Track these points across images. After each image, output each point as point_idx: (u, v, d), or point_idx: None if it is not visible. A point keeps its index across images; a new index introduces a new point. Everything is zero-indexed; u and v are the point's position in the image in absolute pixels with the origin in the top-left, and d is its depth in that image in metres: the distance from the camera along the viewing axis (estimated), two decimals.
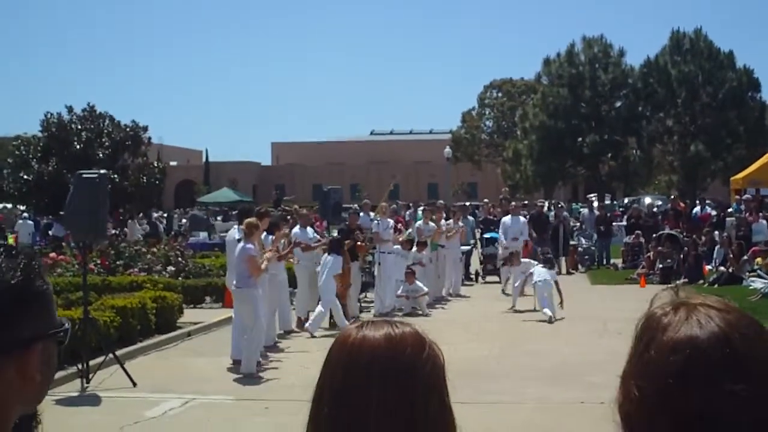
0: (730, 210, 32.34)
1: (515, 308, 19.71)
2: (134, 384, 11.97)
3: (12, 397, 1.58)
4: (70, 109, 52.26)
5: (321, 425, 1.84)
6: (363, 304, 20.37)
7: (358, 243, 19.42)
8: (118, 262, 22.33)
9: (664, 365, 1.60)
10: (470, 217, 29.15)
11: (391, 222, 21.65)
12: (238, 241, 14.12)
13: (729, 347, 1.59)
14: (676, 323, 1.65)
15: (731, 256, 25.03)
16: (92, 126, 51.84)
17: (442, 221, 23.52)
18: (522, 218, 25.48)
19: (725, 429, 1.55)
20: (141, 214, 45.38)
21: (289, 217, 21.92)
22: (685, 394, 1.57)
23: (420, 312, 19.22)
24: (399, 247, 20.79)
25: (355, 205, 23.99)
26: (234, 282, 13.99)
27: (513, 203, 28.50)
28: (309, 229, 19.30)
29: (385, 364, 1.80)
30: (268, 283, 16.17)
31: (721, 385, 1.56)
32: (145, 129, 53.47)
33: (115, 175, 43.96)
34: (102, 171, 13.10)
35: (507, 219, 25.07)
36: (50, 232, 38.71)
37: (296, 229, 18.74)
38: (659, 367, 1.61)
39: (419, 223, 23.03)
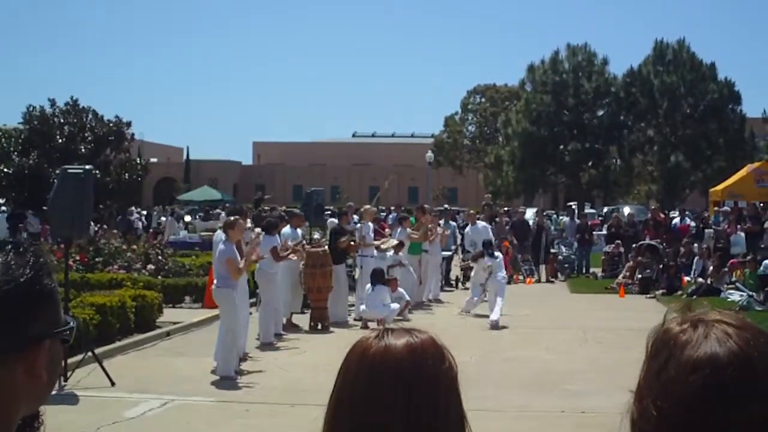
0: (709, 222, 32.50)
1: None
2: (113, 383, 11.87)
3: (19, 395, 1.56)
4: (52, 103, 51.91)
5: None
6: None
7: (351, 243, 19.42)
8: (97, 259, 22.19)
9: (683, 384, 1.58)
10: (452, 222, 29.15)
11: (372, 226, 21.61)
12: None
13: (749, 366, 1.57)
14: (696, 341, 1.62)
15: (711, 267, 25.15)
16: (75, 120, 51.50)
17: (439, 228, 23.75)
18: (484, 225, 25.60)
19: None
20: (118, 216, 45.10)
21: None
22: (704, 414, 1.55)
23: (401, 317, 19.18)
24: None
25: (349, 203, 23.99)
26: (214, 282, 13.93)
27: (471, 211, 28.56)
28: (299, 230, 19.26)
29: (409, 374, 1.81)
30: (266, 282, 16.20)
31: (741, 405, 1.54)
32: (129, 124, 53.18)
33: (97, 171, 43.71)
34: (87, 166, 13.00)
35: (468, 229, 25.38)
36: (21, 226, 37.72)
37: (286, 229, 18.59)
38: (679, 387, 1.59)
39: (408, 231, 22.89)
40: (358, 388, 1.82)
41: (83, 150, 49.39)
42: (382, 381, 1.80)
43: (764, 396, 1.55)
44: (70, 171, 12.48)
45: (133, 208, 47.09)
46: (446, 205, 40.64)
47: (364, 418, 1.79)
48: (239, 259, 13.46)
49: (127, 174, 51.15)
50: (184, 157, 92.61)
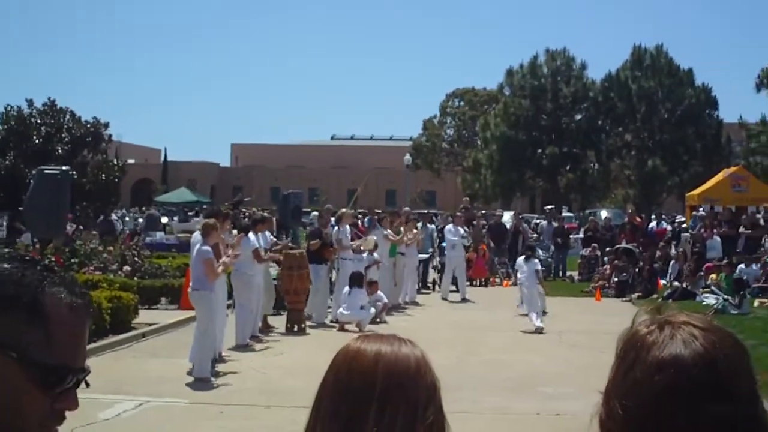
0: (684, 225, 32.67)
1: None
2: (87, 384, 11.69)
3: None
4: (30, 103, 51.55)
5: None
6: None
7: (328, 247, 19.41)
8: (73, 260, 22.06)
9: (648, 385, 1.60)
10: (430, 225, 29.19)
11: (350, 229, 21.60)
12: None
13: (713, 367, 1.59)
14: (661, 342, 1.64)
15: (687, 271, 25.29)
16: (52, 121, 51.16)
17: (414, 230, 23.80)
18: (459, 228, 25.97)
19: None
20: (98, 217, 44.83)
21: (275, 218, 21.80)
22: (669, 414, 1.57)
23: (378, 320, 19.17)
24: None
25: (328, 206, 23.99)
26: (191, 283, 13.88)
27: (458, 213, 28.71)
28: (268, 234, 19.20)
29: (387, 379, 1.81)
30: (243, 284, 16.15)
31: (705, 405, 1.56)
32: (106, 126, 52.88)
33: (74, 172, 43.46)
34: (64, 167, 13.00)
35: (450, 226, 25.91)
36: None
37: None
38: (644, 387, 1.60)
39: (386, 231, 22.89)
40: (337, 390, 1.83)
41: (60, 151, 49.05)
42: (359, 384, 1.81)
43: (728, 397, 1.57)
44: (46, 172, 12.49)
45: (120, 211, 46.82)
46: (426, 210, 40.69)
47: (341, 420, 1.79)
48: (216, 261, 13.43)
49: (104, 175, 50.81)
50: (162, 158, 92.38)
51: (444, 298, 24.32)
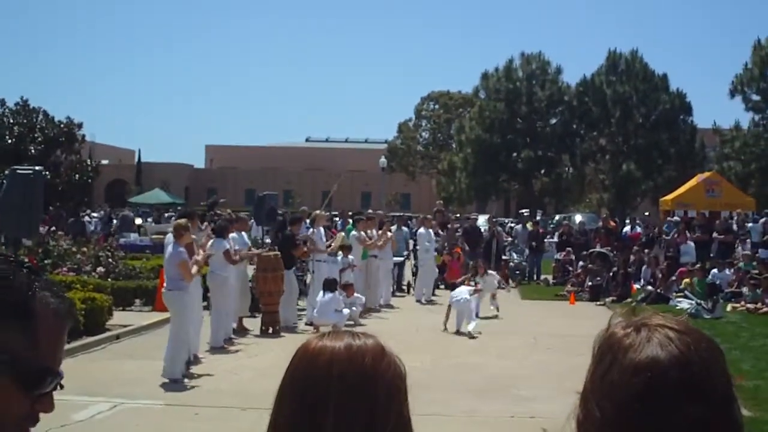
0: (660, 230, 32.87)
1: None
2: (61, 386, 11.68)
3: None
4: (2, 103, 51.38)
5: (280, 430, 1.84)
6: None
7: (302, 249, 19.38)
8: (46, 261, 21.94)
9: (625, 387, 1.61)
10: (405, 228, 29.22)
11: (324, 231, 21.61)
12: None
13: (689, 370, 1.61)
14: (638, 345, 1.66)
15: (660, 275, 25.46)
16: (25, 120, 50.95)
17: (389, 233, 23.90)
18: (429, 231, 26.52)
19: None
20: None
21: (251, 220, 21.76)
22: (646, 416, 1.59)
23: (352, 322, 19.17)
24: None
25: (303, 208, 23.99)
26: (165, 284, 13.83)
27: (428, 216, 28.85)
28: (244, 234, 19.20)
29: (345, 373, 1.82)
30: (218, 285, 16.14)
31: (681, 407, 1.58)
32: (80, 126, 52.70)
33: (47, 172, 43.25)
34: (37, 167, 12.91)
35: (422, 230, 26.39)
36: None
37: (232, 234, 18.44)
38: (621, 389, 1.62)
39: (355, 233, 22.92)
40: (296, 385, 1.84)
41: (33, 151, 48.88)
42: (318, 378, 1.82)
43: (704, 399, 1.59)
44: (19, 172, 12.40)
45: (99, 212, 46.55)
46: (401, 213, 40.77)
47: (302, 415, 1.80)
48: (190, 261, 13.41)
49: (77, 175, 50.66)
50: (136, 159, 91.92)
51: (418, 301, 24.41)
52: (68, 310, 1.67)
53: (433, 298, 24.72)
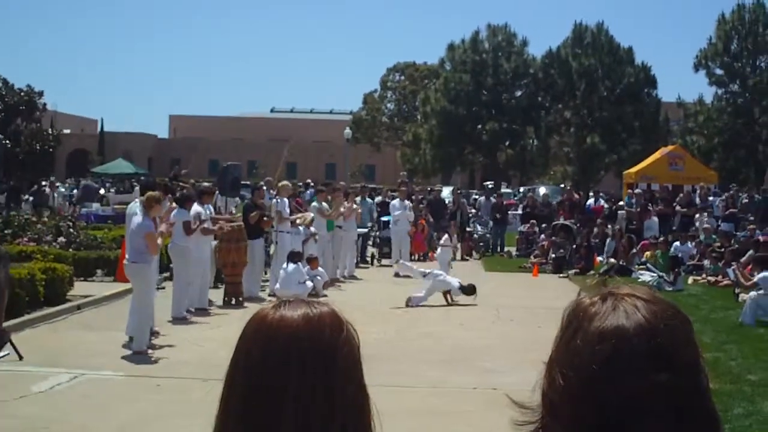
0: (621, 203, 33.07)
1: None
2: (20, 357, 11.60)
3: None
4: None
5: (233, 405, 1.79)
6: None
7: (264, 218, 19.22)
8: (6, 231, 21.72)
9: (590, 354, 1.60)
10: (369, 200, 29.18)
11: (288, 201, 21.46)
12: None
13: (654, 338, 1.60)
14: (603, 313, 1.65)
15: (622, 248, 25.63)
16: None
17: (345, 204, 23.52)
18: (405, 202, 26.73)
19: (648, 418, 1.56)
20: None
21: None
22: (609, 383, 1.58)
23: (314, 293, 19.13)
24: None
25: (268, 178, 23.80)
26: (127, 256, 13.68)
27: (402, 188, 28.76)
28: (209, 206, 19.02)
29: (304, 344, 1.78)
30: (178, 255, 16.06)
31: (645, 374, 1.56)
32: (41, 94, 52.11)
33: (7, 141, 42.76)
34: None
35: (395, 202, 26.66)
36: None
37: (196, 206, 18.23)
38: (585, 356, 1.61)
39: (315, 204, 22.75)
40: (252, 357, 1.79)
41: None
42: (277, 347, 1.77)
43: (668, 367, 1.58)
44: None
45: (66, 183, 46.03)
46: (365, 184, 40.71)
47: (258, 388, 1.75)
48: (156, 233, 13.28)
49: (38, 145, 50.13)
50: (99, 128, 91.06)
51: (397, 261, 23.21)
52: (8, 277, 1.62)
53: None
